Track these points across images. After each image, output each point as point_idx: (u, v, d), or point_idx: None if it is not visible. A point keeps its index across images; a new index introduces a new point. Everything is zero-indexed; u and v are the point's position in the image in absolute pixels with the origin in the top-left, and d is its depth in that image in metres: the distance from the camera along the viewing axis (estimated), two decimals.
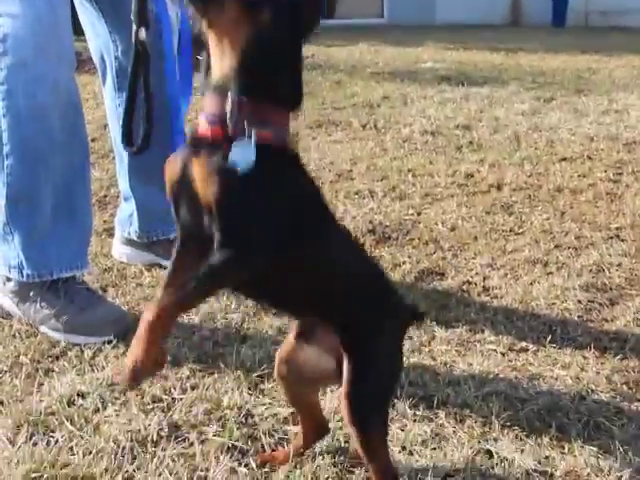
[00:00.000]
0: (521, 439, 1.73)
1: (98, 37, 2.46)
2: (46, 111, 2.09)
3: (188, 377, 1.98)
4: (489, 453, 1.69)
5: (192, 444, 1.70)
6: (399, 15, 16.56)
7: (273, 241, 1.32)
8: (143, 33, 1.71)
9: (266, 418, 1.80)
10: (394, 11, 17.11)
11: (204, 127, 1.35)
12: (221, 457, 1.66)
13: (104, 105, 2.74)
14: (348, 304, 1.47)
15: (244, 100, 1.31)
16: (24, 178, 2.15)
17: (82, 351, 2.13)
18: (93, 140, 4.18)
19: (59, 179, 2.18)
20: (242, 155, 1.29)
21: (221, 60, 1.34)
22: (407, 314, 1.59)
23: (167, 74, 2.29)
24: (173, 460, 1.63)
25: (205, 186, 1.30)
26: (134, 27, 1.71)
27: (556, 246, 2.92)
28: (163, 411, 1.83)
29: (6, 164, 2.14)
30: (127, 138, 1.86)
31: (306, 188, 1.41)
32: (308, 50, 9.23)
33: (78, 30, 2.23)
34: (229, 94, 1.32)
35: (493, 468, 1.64)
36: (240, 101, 1.31)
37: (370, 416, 1.45)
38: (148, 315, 1.31)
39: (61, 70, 2.10)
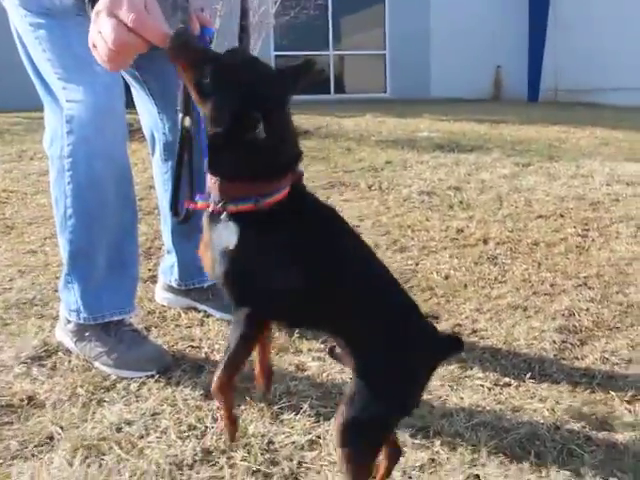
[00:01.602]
0: (505, 465, 1.71)
1: (149, 115, 2.49)
2: (102, 181, 2.11)
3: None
4: (478, 477, 1.66)
5: (222, 468, 1.68)
6: (399, 90, 16.69)
7: (271, 294, 1.30)
8: (187, 121, 1.74)
9: (286, 445, 1.78)
10: (395, 87, 17.24)
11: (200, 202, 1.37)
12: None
13: (151, 170, 2.76)
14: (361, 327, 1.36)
15: (217, 181, 1.31)
16: (83, 237, 2.16)
17: (129, 384, 2.11)
18: (140, 199, 4.19)
19: (112, 237, 2.19)
20: (222, 233, 1.29)
21: None
22: (436, 347, 1.42)
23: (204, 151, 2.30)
24: None
25: (203, 257, 1.35)
26: (180, 115, 1.74)
27: (534, 293, 2.90)
28: (197, 438, 1.81)
29: (68, 224, 2.15)
30: (174, 209, 1.89)
31: (300, 236, 1.32)
32: (322, 121, 9.33)
33: (130, 104, 2.26)
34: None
35: None
36: (215, 182, 1.31)
37: (350, 432, 1.34)
38: (212, 386, 1.36)
39: (116, 146, 2.12)
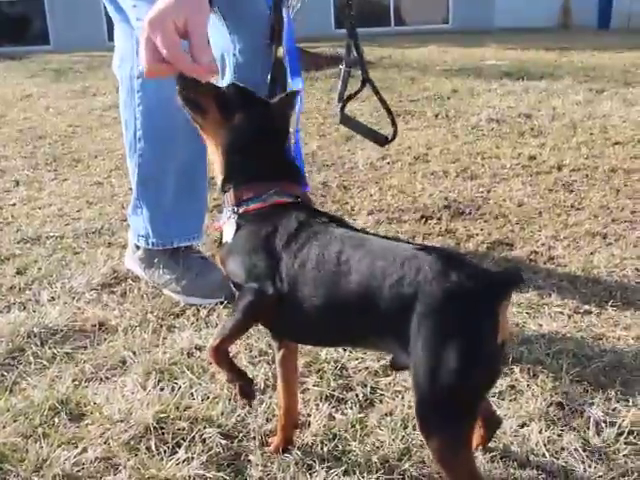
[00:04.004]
0: (589, 392, 1.63)
1: (220, 36, 2.38)
2: (173, 102, 2.04)
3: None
4: (560, 405, 1.58)
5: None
6: (462, 21, 16.23)
7: (260, 276, 1.31)
8: (280, 51, 1.74)
9: (359, 371, 1.74)
10: (458, 18, 16.76)
11: None
12: (320, 404, 1.61)
13: None
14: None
15: (228, 192, 1.42)
16: (153, 160, 2.12)
17: (198, 311, 2.10)
18: None
19: (182, 161, 2.13)
20: (226, 231, 1.41)
21: (215, 161, 1.46)
22: (485, 285, 1.14)
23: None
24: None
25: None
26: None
27: (613, 220, 2.76)
28: (268, 363, 1.78)
29: (138, 147, 2.11)
30: None
31: (282, 228, 1.33)
32: (385, 52, 9.10)
33: None
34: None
35: (565, 418, 1.54)
36: (226, 195, 1.43)
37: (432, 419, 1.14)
38: (209, 350, 1.36)
39: None
